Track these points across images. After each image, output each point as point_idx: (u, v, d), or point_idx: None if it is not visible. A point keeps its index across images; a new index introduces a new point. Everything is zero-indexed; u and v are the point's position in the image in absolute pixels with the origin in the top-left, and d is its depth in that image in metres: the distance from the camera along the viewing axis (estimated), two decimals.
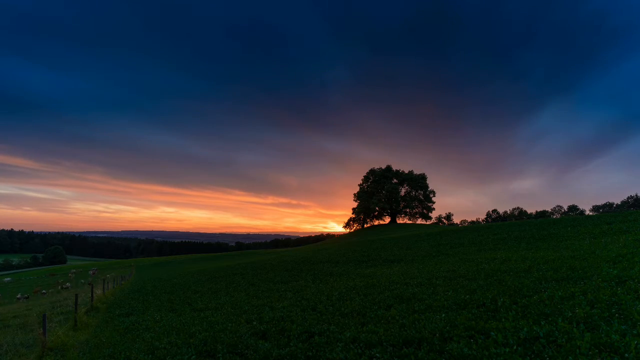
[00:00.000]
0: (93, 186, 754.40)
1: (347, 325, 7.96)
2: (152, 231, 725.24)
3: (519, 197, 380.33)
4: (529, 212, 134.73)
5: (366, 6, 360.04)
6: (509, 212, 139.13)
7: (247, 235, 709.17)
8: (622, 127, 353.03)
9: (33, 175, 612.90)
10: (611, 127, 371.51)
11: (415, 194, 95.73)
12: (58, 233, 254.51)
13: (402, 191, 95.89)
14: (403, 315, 8.20)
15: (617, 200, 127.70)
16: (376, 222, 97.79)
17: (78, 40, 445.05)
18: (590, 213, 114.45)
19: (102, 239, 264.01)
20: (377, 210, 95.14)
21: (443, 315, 7.62)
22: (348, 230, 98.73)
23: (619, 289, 7.44)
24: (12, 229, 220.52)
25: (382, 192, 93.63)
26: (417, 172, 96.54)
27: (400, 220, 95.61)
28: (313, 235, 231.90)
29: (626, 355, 4.59)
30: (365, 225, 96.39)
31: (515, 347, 5.33)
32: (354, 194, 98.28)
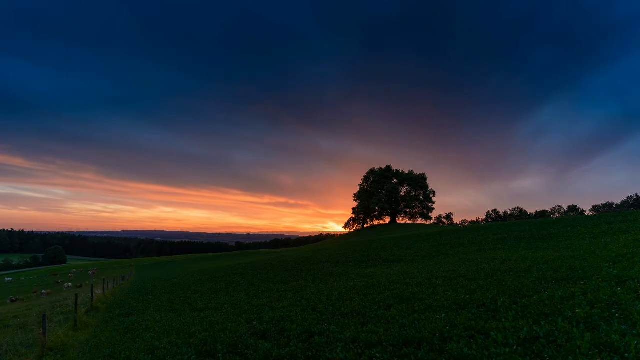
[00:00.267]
0: (87, 185, 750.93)
1: (347, 325, 7.96)
2: (152, 231, 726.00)
3: (519, 197, 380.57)
4: (529, 212, 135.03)
5: (361, 1, 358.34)
6: (509, 212, 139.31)
7: (247, 235, 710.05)
8: (622, 125, 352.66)
9: (27, 175, 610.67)
10: (612, 125, 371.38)
11: (415, 194, 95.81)
12: (58, 233, 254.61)
13: (402, 191, 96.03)
14: (403, 315, 8.20)
15: (617, 200, 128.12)
16: (376, 222, 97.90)
17: (76, 39, 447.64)
18: (590, 213, 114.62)
19: (102, 239, 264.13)
20: (377, 210, 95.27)
21: (443, 315, 7.62)
22: (348, 230, 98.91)
23: (619, 289, 7.44)
24: (12, 229, 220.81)
25: (382, 192, 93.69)
26: (417, 172, 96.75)
27: (400, 220, 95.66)
28: (313, 235, 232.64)
29: (626, 355, 4.58)
30: (365, 225, 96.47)
31: (515, 347, 5.33)
32: (354, 194, 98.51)
